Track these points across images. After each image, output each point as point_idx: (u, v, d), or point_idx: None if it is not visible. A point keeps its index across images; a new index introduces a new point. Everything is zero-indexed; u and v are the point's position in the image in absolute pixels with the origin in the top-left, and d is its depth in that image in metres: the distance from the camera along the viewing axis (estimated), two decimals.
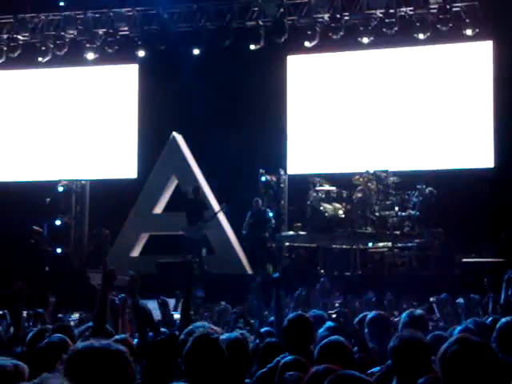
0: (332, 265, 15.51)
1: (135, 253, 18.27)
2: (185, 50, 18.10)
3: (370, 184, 16.01)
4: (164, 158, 18.40)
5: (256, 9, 17.91)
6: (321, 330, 5.56)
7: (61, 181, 19.14)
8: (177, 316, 7.28)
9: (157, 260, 16.42)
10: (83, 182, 19.46)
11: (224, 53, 17.93)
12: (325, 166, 18.18)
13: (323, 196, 16.30)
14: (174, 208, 18.00)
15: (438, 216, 15.56)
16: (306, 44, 17.61)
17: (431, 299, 8.59)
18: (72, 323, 9.30)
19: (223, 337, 4.39)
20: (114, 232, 18.18)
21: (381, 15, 17.10)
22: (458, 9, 16.75)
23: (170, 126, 18.38)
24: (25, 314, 8.07)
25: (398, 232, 15.78)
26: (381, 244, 16.00)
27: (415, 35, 16.98)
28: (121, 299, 6.37)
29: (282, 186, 17.63)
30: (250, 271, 16.87)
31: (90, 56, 18.82)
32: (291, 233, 16.58)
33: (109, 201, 18.08)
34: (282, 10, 17.74)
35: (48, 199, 18.39)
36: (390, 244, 15.82)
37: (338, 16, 17.28)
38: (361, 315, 6.02)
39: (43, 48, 18.83)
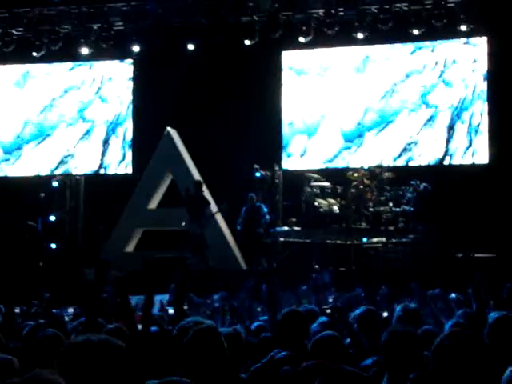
0: (326, 260, 15.52)
1: (130, 248, 18.27)
2: (179, 45, 18.09)
3: (364, 180, 16.03)
4: (159, 154, 18.37)
5: (251, 4, 17.89)
6: (314, 325, 5.57)
7: (55, 176, 19.13)
8: (171, 311, 7.27)
9: (152, 255, 16.41)
10: (78, 177, 19.44)
11: (219, 48, 17.92)
12: (319, 161, 18.20)
13: (318, 191, 16.32)
14: (168, 203, 17.99)
15: (432, 212, 15.58)
16: (301, 39, 17.62)
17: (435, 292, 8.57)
18: (66, 318, 9.30)
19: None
20: (109, 227, 18.16)
21: (375, 11, 17.11)
22: (452, 4, 16.76)
23: (165, 121, 18.35)
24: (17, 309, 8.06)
25: (392, 227, 15.81)
26: (375, 239, 16.02)
27: (410, 31, 17.00)
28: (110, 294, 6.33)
29: (277, 181, 17.63)
30: (244, 266, 16.88)
31: (85, 51, 18.78)
32: (286, 228, 16.59)
33: (103, 196, 18.06)
34: (276, 5, 17.73)
35: (42, 194, 18.36)
36: (384, 239, 15.85)
37: (333, 11, 17.28)
38: (356, 311, 6.02)
39: (38, 43, 18.79)
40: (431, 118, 17.61)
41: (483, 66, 17.21)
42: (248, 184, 16.92)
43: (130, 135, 19.46)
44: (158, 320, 7.20)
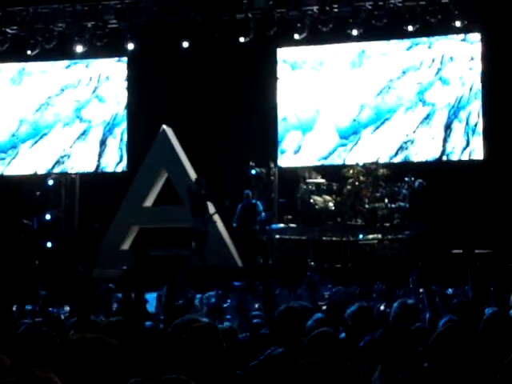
0: (322, 257, 15.54)
1: (125, 246, 18.27)
2: (174, 43, 18.07)
3: (360, 176, 16.05)
4: (154, 151, 18.37)
5: (245, 1, 17.88)
6: (309, 322, 5.57)
7: (51, 174, 19.10)
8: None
9: (148, 253, 16.40)
10: (73, 175, 19.41)
11: (213, 45, 17.91)
12: (315, 158, 18.20)
13: (313, 188, 16.32)
14: (164, 201, 17.99)
15: (427, 208, 15.59)
16: (296, 36, 17.62)
17: (420, 290, 8.60)
18: (62, 316, 9.29)
19: None
20: (104, 225, 18.15)
21: (370, 7, 17.11)
22: (446, 1, 16.77)
23: (160, 119, 18.34)
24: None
25: (387, 224, 15.83)
26: (371, 236, 16.04)
27: (405, 27, 17.01)
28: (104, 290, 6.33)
29: (272, 178, 17.63)
30: (240, 264, 16.88)
31: (79, 49, 18.75)
32: (281, 225, 16.59)
33: (99, 194, 18.04)
34: (271, 2, 17.72)
35: (38, 193, 18.35)
36: (379, 236, 15.87)
37: (327, 8, 17.28)
38: (352, 307, 6.02)
39: (32, 41, 18.75)
40: (428, 116, 17.59)
41: (480, 64, 17.18)
42: (243, 181, 16.92)
43: (125, 133, 19.42)
44: (155, 317, 7.21)
